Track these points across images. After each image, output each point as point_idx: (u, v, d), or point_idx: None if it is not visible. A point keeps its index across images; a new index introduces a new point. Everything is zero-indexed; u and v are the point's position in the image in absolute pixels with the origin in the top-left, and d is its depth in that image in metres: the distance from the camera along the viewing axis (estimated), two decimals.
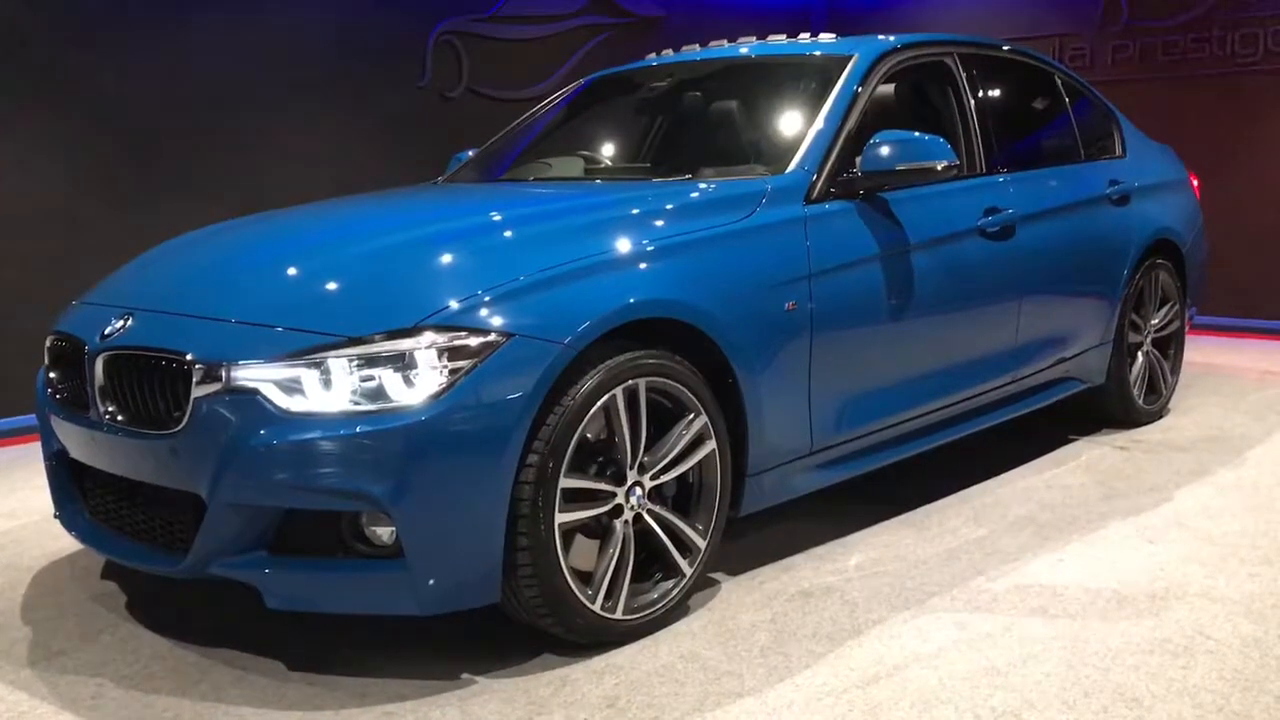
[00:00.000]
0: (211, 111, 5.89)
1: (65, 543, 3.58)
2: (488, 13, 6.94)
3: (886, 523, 3.66)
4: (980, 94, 4.13)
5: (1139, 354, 4.85)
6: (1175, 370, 5.11)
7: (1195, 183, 5.39)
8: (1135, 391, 4.81)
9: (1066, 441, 4.65)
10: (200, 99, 5.86)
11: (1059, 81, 4.76)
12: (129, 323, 2.79)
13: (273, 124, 6.12)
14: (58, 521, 3.11)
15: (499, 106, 6.80)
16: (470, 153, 4.52)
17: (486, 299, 2.56)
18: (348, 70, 6.40)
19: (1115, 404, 4.78)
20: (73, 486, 3.06)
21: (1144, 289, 4.80)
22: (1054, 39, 7.86)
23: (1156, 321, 4.93)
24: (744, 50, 4.16)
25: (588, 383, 2.62)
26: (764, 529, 3.55)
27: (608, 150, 4.27)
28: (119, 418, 2.74)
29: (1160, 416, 4.98)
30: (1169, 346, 5.06)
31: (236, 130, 5.98)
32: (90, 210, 5.50)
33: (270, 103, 6.10)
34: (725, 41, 4.36)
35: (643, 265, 2.84)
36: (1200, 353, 6.41)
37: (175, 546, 2.70)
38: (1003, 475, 4.18)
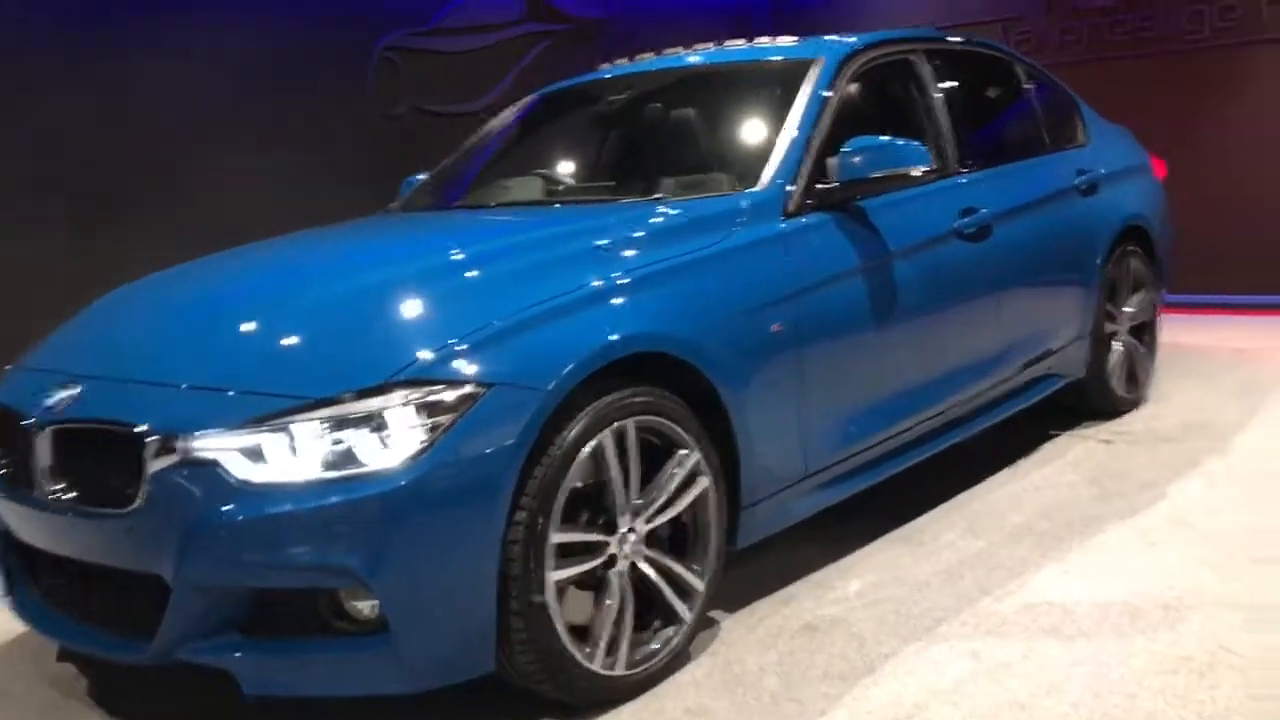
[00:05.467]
0: (150, 145, 5.66)
1: (15, 624, 3.34)
2: (427, 26, 6.74)
3: (880, 540, 3.53)
4: (946, 90, 4.01)
5: (1116, 343, 4.78)
6: (1152, 356, 5.05)
7: (1158, 165, 5.33)
8: (1114, 382, 4.73)
9: (1049, 437, 4.56)
10: (138, 133, 5.63)
11: (1020, 71, 4.68)
12: (73, 391, 2.58)
13: (214, 155, 5.88)
14: (7, 606, 2.89)
15: (446, 122, 6.60)
16: (422, 176, 4.33)
17: (461, 348, 2.39)
18: (289, 95, 6.18)
19: (1096, 396, 4.71)
20: (21, 568, 2.84)
21: (1117, 278, 4.73)
22: (1000, 23, 7.80)
23: (1131, 309, 4.86)
24: (703, 57, 4.01)
25: (574, 428, 2.46)
26: (757, 556, 3.39)
27: (567, 169, 4.10)
28: (67, 496, 2.53)
29: (1140, 405, 4.91)
30: (1144, 333, 5.00)
31: (177, 164, 5.74)
32: (27, 256, 5.23)
33: (210, 134, 5.88)
34: (680, 49, 4.21)
35: (622, 299, 2.68)
36: (1170, 333, 6.35)
37: (139, 632, 2.49)
38: (991, 479, 4.08)
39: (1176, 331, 6.45)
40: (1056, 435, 4.59)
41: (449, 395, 2.32)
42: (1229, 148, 7.16)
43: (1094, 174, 4.65)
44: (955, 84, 4.13)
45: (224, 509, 2.27)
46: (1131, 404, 4.85)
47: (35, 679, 3.00)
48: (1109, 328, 4.70)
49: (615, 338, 2.57)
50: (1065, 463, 4.24)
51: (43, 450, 2.56)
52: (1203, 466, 4.05)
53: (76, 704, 2.82)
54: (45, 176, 5.37)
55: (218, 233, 3.92)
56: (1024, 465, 4.23)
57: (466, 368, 2.37)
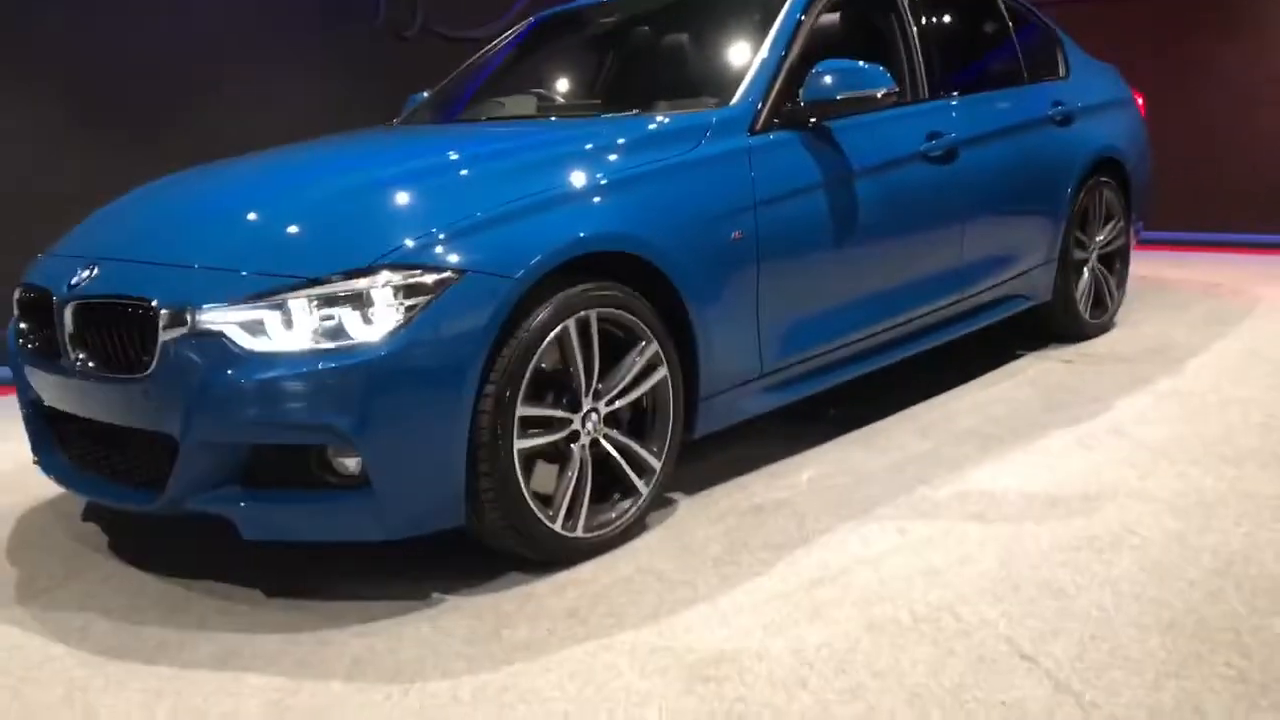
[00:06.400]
0: (167, 61, 5.91)
1: (45, 488, 3.68)
2: None
3: (838, 440, 3.81)
4: (922, 19, 4.22)
5: (1084, 270, 5.00)
6: (1121, 285, 5.27)
7: (1140, 101, 5.51)
8: (1081, 307, 4.96)
9: (1015, 357, 4.81)
10: (155, 50, 5.88)
11: (1001, 5, 4.85)
12: (95, 272, 2.88)
13: (228, 71, 6.14)
14: (37, 467, 3.22)
15: (455, 46, 6.82)
16: (425, 94, 4.59)
17: (441, 237, 2.67)
18: (301, 14, 6.42)
19: (1062, 319, 4.94)
20: (49, 432, 3.17)
21: (1088, 207, 4.94)
22: None
23: (1101, 238, 5.08)
24: None
25: (540, 315, 2.75)
26: (721, 451, 3.69)
27: (560, 87, 4.35)
28: (90, 364, 2.84)
29: (1106, 330, 5.15)
30: (1114, 262, 5.21)
31: (193, 79, 6.00)
32: (53, 164, 5.54)
33: (225, 50, 6.13)
34: None
35: (593, 200, 2.95)
36: (1149, 266, 6.58)
37: (151, 484, 2.82)
38: (951, 391, 4.34)
39: (1157, 266, 6.69)
40: (1022, 355, 4.84)
41: (427, 279, 2.61)
42: (1208, 89, 7.31)
43: (1070, 106, 4.84)
44: (932, 13, 4.33)
45: (227, 374, 2.58)
46: (1098, 329, 5.09)
47: (63, 536, 3.34)
48: (1078, 255, 4.93)
49: (581, 234, 2.84)
50: (1024, 379, 4.49)
51: (68, 323, 2.87)
52: (1151, 385, 4.30)
53: (98, 555, 3.16)
54: (79, 97, 5.67)
55: (228, 149, 4.20)
56: (985, 380, 4.49)
57: (445, 255, 2.65)
